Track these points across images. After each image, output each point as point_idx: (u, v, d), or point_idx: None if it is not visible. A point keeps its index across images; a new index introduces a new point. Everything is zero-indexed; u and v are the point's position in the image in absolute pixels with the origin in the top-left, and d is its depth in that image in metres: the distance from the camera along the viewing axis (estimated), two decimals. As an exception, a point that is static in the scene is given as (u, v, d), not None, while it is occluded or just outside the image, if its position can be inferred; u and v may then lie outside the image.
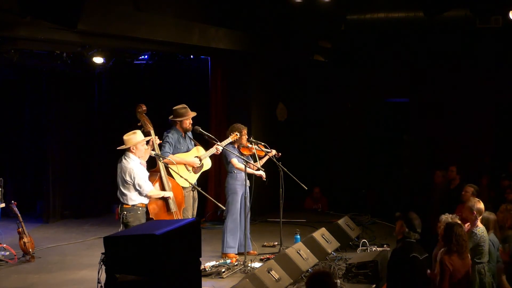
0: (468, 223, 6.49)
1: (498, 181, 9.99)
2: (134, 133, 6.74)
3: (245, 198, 7.90)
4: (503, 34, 10.46)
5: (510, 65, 11.49)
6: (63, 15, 6.73)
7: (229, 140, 7.95)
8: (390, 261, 5.72)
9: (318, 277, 4.45)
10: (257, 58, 11.10)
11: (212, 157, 7.93)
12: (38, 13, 6.77)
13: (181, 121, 7.64)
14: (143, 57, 11.21)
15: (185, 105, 7.71)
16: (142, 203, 6.71)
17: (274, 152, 8.27)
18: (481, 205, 6.49)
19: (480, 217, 6.50)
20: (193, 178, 7.62)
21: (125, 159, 6.66)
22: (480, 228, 6.40)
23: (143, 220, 6.66)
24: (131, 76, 11.64)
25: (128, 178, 6.58)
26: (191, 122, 7.72)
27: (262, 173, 8.15)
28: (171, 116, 7.71)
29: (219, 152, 7.84)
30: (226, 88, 11.11)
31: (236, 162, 8.04)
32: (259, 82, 11.42)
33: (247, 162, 7.86)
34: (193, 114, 7.74)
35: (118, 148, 6.75)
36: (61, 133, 11.16)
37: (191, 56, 11.31)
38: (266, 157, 8.31)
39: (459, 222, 6.13)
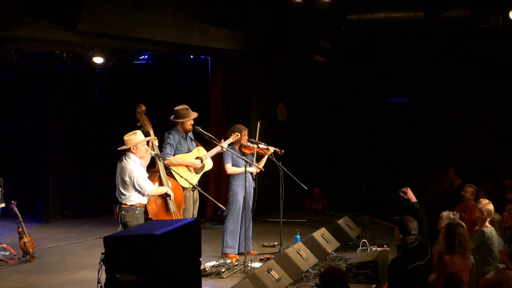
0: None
1: (499, 181, 9.99)
2: (135, 133, 6.73)
3: (245, 198, 7.90)
4: (503, 34, 10.45)
5: (510, 65, 11.49)
6: (63, 15, 6.72)
7: (230, 140, 7.96)
8: (389, 272, 5.63)
9: (334, 276, 4.40)
10: (257, 58, 11.09)
11: (213, 157, 7.93)
12: (38, 13, 6.76)
13: (182, 122, 7.64)
14: (143, 57, 11.21)
15: (187, 106, 7.69)
16: (141, 203, 6.71)
17: (272, 149, 8.25)
18: (491, 206, 6.52)
19: (490, 218, 6.52)
20: (195, 178, 7.61)
21: (125, 159, 6.66)
22: (489, 227, 6.43)
23: (142, 220, 6.66)
24: (131, 76, 11.64)
25: (127, 179, 6.57)
26: (192, 122, 7.72)
27: (253, 170, 8.14)
28: (172, 117, 7.70)
29: (224, 150, 7.84)
30: (226, 88, 11.11)
31: (228, 167, 8.08)
32: (259, 82, 11.42)
33: (247, 162, 7.86)
34: (195, 114, 7.74)
35: (118, 148, 6.75)
36: (61, 133, 11.15)
37: (191, 56, 11.31)
38: (266, 156, 8.29)
39: (460, 221, 6.13)
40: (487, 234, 6.34)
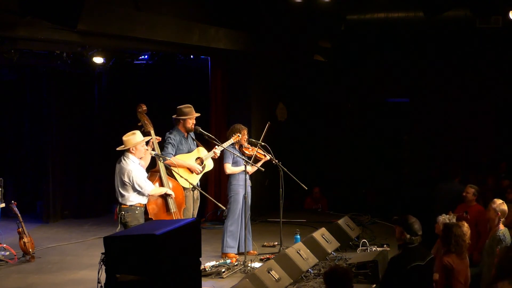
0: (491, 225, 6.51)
1: (498, 181, 9.99)
2: (134, 133, 6.72)
3: (245, 198, 7.90)
4: (503, 34, 10.46)
5: (510, 65, 11.50)
6: (63, 15, 6.72)
7: (231, 141, 7.95)
8: (388, 270, 5.59)
9: (338, 274, 4.38)
10: (257, 58, 11.09)
11: (214, 157, 7.92)
12: (38, 13, 6.76)
13: (184, 120, 7.62)
14: (143, 57, 11.21)
15: (190, 105, 7.70)
16: (140, 203, 6.70)
17: (269, 157, 8.20)
18: (505, 207, 6.49)
19: (504, 219, 6.50)
20: (195, 178, 7.60)
21: (124, 160, 6.65)
22: (502, 229, 6.41)
23: (142, 220, 6.66)
24: (131, 76, 11.64)
25: (126, 180, 6.56)
26: (194, 122, 7.71)
27: (250, 169, 8.09)
28: (175, 115, 7.71)
29: (217, 156, 7.82)
30: (226, 88, 11.11)
31: (228, 167, 8.06)
32: (259, 82, 11.42)
33: (247, 162, 7.86)
34: (197, 114, 7.73)
35: (117, 149, 6.74)
36: (61, 133, 11.15)
37: (191, 56, 11.31)
38: (264, 160, 8.28)
39: (457, 222, 6.13)
40: (501, 236, 6.33)
